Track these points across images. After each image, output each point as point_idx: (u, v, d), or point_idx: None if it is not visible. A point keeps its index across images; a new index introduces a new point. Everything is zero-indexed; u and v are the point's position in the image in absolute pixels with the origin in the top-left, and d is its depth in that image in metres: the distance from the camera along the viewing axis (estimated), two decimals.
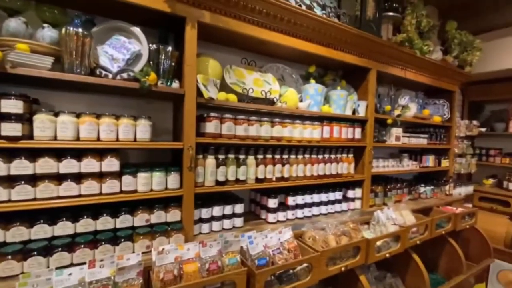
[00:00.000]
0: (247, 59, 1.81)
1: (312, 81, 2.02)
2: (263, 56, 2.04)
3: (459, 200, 3.04)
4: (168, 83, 1.44)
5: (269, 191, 1.88)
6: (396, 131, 2.59)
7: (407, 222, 2.16)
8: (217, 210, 1.63)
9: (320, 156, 2.03)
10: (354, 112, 2.31)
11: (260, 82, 1.84)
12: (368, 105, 2.28)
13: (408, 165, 2.73)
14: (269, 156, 1.78)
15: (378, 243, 1.89)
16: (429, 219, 2.25)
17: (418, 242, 2.13)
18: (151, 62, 1.44)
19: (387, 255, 1.88)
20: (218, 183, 1.58)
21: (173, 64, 1.47)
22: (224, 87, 1.66)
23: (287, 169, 1.84)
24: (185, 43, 1.42)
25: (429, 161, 2.96)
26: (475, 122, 3.91)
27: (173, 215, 1.45)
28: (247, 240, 1.39)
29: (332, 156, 2.11)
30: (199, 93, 1.47)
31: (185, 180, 1.45)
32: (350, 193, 2.26)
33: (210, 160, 1.55)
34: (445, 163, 3.12)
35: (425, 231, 2.25)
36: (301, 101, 1.95)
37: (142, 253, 1.21)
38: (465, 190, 3.46)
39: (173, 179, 1.44)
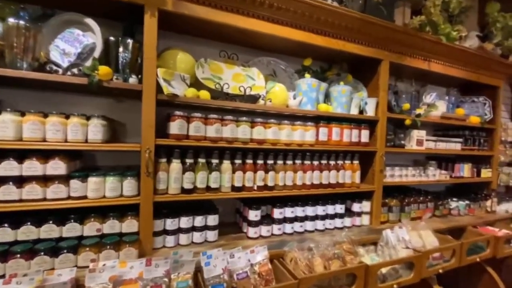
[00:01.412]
0: (226, 52, 1.61)
1: (307, 75, 1.75)
2: (252, 49, 1.83)
3: (504, 219, 2.48)
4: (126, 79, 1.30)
5: (251, 201, 1.65)
6: (418, 134, 2.18)
7: (427, 245, 1.76)
8: (185, 221, 1.44)
9: (315, 162, 1.74)
10: (362, 111, 1.97)
11: (241, 77, 1.63)
12: (378, 103, 1.94)
13: (435, 175, 2.29)
14: (249, 161, 1.55)
15: (383, 270, 1.54)
16: (457, 242, 1.81)
17: (440, 271, 1.72)
18: (109, 56, 1.33)
19: (395, 286, 1.52)
20: (184, 191, 1.40)
21: (133, 58, 1.33)
22: (200, 83, 1.48)
23: (271, 177, 1.59)
24: (144, 33, 1.27)
25: (464, 170, 2.46)
26: None
27: (129, 225, 1.30)
28: (205, 259, 1.18)
29: (331, 162, 1.81)
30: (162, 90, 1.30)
31: (143, 186, 1.29)
32: (356, 207, 1.92)
33: (175, 165, 1.38)
34: (486, 173, 2.58)
35: (452, 257, 1.82)
36: (295, 98, 1.70)
37: (80, 268, 1.07)
38: None
39: (129, 185, 1.29)
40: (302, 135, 1.66)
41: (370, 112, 1.93)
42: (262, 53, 1.85)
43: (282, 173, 1.62)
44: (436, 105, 2.26)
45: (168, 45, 1.54)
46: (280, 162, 1.64)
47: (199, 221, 1.47)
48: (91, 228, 1.23)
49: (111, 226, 1.28)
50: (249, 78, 1.65)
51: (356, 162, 1.89)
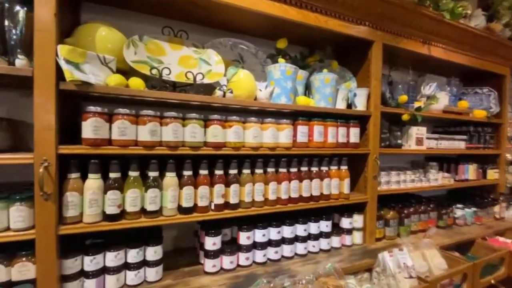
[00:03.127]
0: (172, 29, 1.22)
1: (281, 60, 1.38)
2: (210, 29, 1.45)
3: None
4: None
5: (210, 223, 1.27)
6: (417, 131, 1.84)
7: (433, 269, 1.42)
8: (112, 258, 1.05)
9: (293, 170, 1.37)
10: (350, 105, 1.62)
11: (191, 61, 1.24)
12: (370, 94, 1.58)
13: (437, 179, 1.95)
14: (203, 172, 1.17)
15: None
16: (469, 264, 1.48)
17: None
18: None
19: None
20: (108, 217, 1.01)
21: (27, 33, 0.93)
22: (135, 69, 1.09)
23: (234, 191, 1.21)
24: None
25: (469, 171, 2.14)
26: None
27: (22, 269, 0.91)
28: None
29: (313, 169, 1.44)
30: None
31: (38, 215, 0.90)
32: (345, 222, 1.56)
33: (91, 182, 0.99)
34: (492, 174, 2.26)
35: (463, 282, 1.48)
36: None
37: None
38: None
39: (18, 214, 0.90)
40: (275, 135, 1.29)
41: (360, 105, 1.57)
42: (224, 33, 1.47)
43: (249, 185, 1.25)
44: (437, 97, 1.92)
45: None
46: (246, 171, 1.26)
47: (133, 256, 1.09)
48: None
49: None
50: (203, 62, 1.26)
51: (344, 167, 1.53)
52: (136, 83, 1.05)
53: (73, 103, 1.05)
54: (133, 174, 1.05)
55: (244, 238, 1.27)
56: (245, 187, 1.24)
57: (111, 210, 1.01)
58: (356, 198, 1.57)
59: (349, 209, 1.59)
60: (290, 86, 1.35)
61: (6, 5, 0.93)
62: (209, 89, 1.23)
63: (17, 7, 0.92)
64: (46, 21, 0.89)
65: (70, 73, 0.90)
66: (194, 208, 1.15)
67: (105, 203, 1.00)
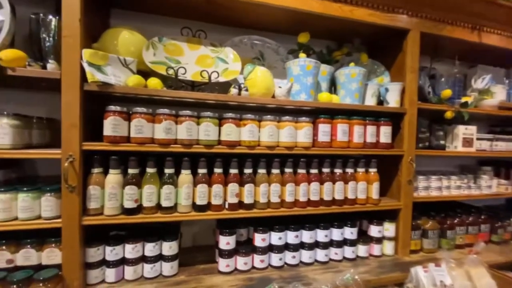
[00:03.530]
0: (191, 29, 1.24)
1: (302, 55, 1.31)
2: (228, 27, 1.44)
3: None
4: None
5: (226, 222, 1.26)
6: (465, 130, 1.60)
7: None
8: (130, 250, 1.10)
9: (313, 171, 1.30)
10: (382, 102, 1.47)
11: (208, 61, 1.25)
12: (404, 89, 1.42)
13: (490, 186, 1.68)
14: (217, 170, 1.17)
15: None
16: None
17: None
18: (32, 39, 1.04)
19: None
20: (125, 211, 1.06)
21: (59, 40, 1.02)
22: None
23: (248, 191, 1.19)
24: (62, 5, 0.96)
25: None
26: None
27: (50, 255, 1.00)
28: None
29: (337, 171, 1.34)
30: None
31: (65, 206, 0.98)
32: (374, 230, 1.43)
33: (111, 177, 1.04)
34: None
35: None
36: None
37: None
38: None
39: (48, 204, 0.99)
40: (292, 134, 1.23)
41: (392, 102, 1.42)
42: (244, 31, 1.45)
43: (265, 186, 1.21)
44: (492, 91, 1.66)
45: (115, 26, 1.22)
46: (262, 171, 1.22)
47: (149, 249, 1.12)
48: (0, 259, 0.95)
49: (26, 256, 0.99)
50: (220, 61, 1.26)
51: (373, 170, 1.40)
52: (154, 83, 1.09)
53: (99, 103, 1.13)
54: (150, 170, 1.09)
55: (259, 240, 1.24)
56: (260, 187, 1.20)
57: (128, 204, 1.05)
58: (387, 204, 1.43)
59: (379, 216, 1.45)
60: (310, 82, 1.27)
61: (41, 15, 1.03)
62: (227, 87, 1.22)
63: (50, 16, 1.02)
64: (71, 26, 0.96)
65: (91, 74, 0.97)
66: (208, 206, 1.16)
67: (123, 197, 1.06)
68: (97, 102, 1.11)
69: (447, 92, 1.51)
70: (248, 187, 1.18)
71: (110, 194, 1.03)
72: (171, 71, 1.10)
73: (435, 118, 1.60)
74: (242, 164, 1.21)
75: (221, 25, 1.43)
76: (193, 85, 1.21)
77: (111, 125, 1.01)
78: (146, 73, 1.15)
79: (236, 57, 1.26)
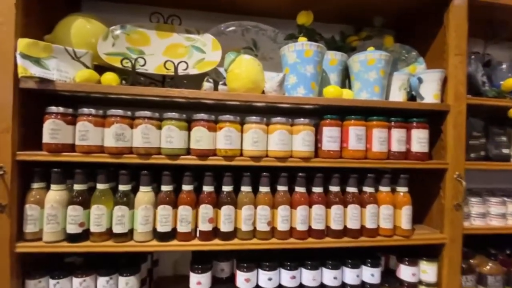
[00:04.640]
0: (162, 15, 1.03)
1: (302, 39, 1.01)
2: (213, 13, 1.21)
3: None
4: None
5: (201, 254, 0.99)
6: None
7: None
8: (77, 285, 0.88)
9: (317, 190, 0.97)
10: (414, 97, 1.11)
11: (181, 50, 1.02)
12: (446, 78, 1.04)
13: None
14: (186, 187, 0.91)
15: None
16: None
17: None
18: None
19: None
20: (69, 237, 0.85)
21: None
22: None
23: (227, 215, 0.91)
24: None
25: None
26: None
27: None
28: None
29: (351, 190, 1.00)
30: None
31: None
32: (405, 272, 1.05)
33: (52, 194, 0.84)
34: None
35: None
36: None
37: None
38: None
39: None
40: (286, 141, 0.93)
41: (429, 96, 1.05)
42: (233, 17, 1.20)
43: (249, 208, 0.92)
44: None
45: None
46: (245, 189, 0.94)
47: (102, 285, 0.90)
48: None
49: None
50: (196, 50, 1.02)
51: (402, 189, 1.03)
52: (108, 79, 0.89)
53: (48, 104, 0.95)
54: (100, 187, 0.87)
55: (242, 280, 0.94)
56: (242, 210, 0.91)
57: (72, 228, 0.84)
58: (424, 237, 1.04)
59: (413, 253, 1.06)
60: (311, 72, 0.97)
61: None
62: (184, 79, 0.97)
63: None
64: (6, 12, 0.80)
65: (24, 68, 0.79)
66: (173, 234, 0.90)
67: (66, 219, 0.85)
68: (45, 103, 0.94)
69: (510, 82, 1.09)
70: (226, 210, 0.91)
71: (49, 215, 0.83)
72: (127, 63, 0.89)
73: (493, 117, 1.17)
74: (219, 180, 0.94)
75: (204, 11, 1.20)
76: (163, 81, 0.99)
77: (50, 130, 0.82)
78: (111, 69, 0.95)
79: (215, 44, 1.01)
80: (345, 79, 1.16)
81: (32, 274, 0.87)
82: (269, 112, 1.13)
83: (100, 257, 0.94)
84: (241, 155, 0.93)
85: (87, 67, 0.92)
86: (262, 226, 0.92)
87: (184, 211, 0.89)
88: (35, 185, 0.85)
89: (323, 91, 1.02)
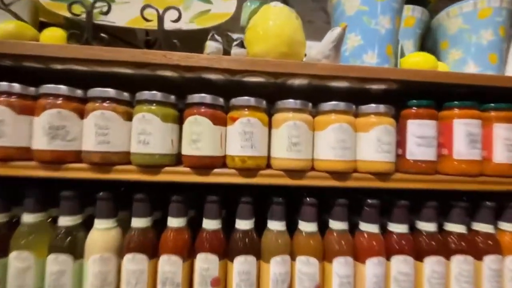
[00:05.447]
0: None
1: None
2: None
3: None
4: None
5: None
6: None
7: None
8: None
9: (398, 229, 0.56)
10: None
11: None
12: None
13: None
14: (175, 223, 0.52)
15: None
16: None
17: None
18: None
19: None
20: None
21: None
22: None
23: (243, 273, 0.51)
24: None
25: None
26: None
27: None
28: None
29: (454, 229, 0.58)
30: None
31: None
32: None
33: None
34: None
35: None
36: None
37: None
38: None
39: None
40: (348, 142, 0.53)
41: None
42: None
43: (282, 261, 0.52)
44: None
45: None
46: (277, 226, 0.54)
47: None
48: None
49: None
50: None
51: None
52: (49, 35, 0.53)
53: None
54: (26, 218, 0.51)
55: None
56: (271, 264, 0.52)
57: None
58: None
59: None
60: (387, 28, 0.57)
61: None
62: (172, 37, 0.60)
63: None
64: None
65: None
66: None
67: None
68: None
69: None
70: (242, 264, 0.51)
71: None
72: (78, 9, 0.53)
73: None
74: (230, 209, 0.55)
75: None
76: (148, 44, 0.62)
77: None
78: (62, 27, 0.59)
79: None
80: (424, 50, 0.76)
81: None
82: (312, 96, 0.73)
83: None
84: (269, 166, 0.54)
85: (18, 17, 0.57)
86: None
87: (169, 264, 0.50)
88: None
89: (400, 62, 0.62)
